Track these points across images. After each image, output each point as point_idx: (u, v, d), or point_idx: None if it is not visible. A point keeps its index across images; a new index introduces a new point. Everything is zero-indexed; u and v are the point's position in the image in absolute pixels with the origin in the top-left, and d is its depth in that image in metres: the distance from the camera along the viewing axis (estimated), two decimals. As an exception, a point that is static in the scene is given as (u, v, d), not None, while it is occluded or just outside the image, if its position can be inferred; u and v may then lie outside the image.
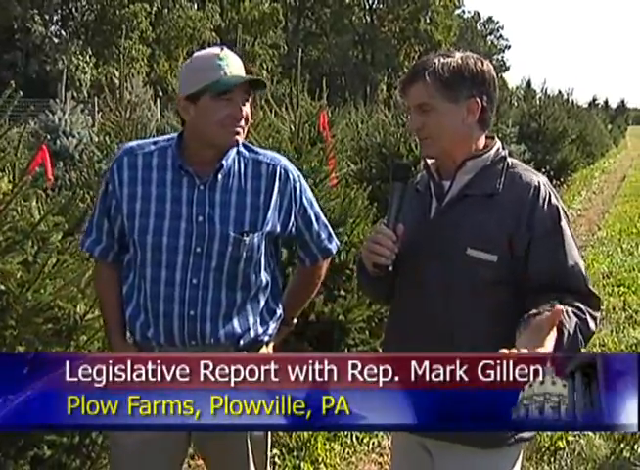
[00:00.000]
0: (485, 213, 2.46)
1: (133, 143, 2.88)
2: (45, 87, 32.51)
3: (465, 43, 68.21)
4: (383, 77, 66.37)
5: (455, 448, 2.54)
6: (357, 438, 5.08)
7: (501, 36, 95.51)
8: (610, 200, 18.88)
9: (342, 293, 5.65)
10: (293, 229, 2.90)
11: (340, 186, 6.18)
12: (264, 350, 2.93)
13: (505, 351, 2.08)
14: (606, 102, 58.13)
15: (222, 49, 2.71)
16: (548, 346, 2.09)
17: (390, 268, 2.47)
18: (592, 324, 2.38)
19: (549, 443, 4.94)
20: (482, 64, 2.49)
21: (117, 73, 39.08)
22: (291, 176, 2.85)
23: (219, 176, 2.76)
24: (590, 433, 5.02)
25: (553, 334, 2.12)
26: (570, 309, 2.31)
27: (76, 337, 3.34)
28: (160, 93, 39.25)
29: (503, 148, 2.59)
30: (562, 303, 2.30)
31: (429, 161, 2.63)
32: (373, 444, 5.06)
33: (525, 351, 2.06)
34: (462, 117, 2.47)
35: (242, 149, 2.83)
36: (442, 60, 2.46)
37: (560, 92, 25.83)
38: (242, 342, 2.82)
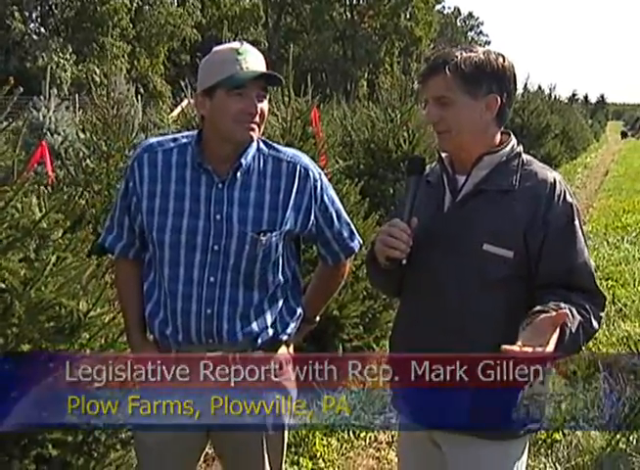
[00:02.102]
0: (501, 209, 2.47)
1: (152, 140, 2.84)
2: (25, 84, 32.26)
3: (445, 39, 68.27)
4: (363, 73, 66.34)
5: (465, 441, 2.57)
6: (354, 433, 5.08)
7: (481, 32, 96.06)
8: (593, 195, 18.95)
9: (336, 288, 5.65)
10: (313, 228, 2.87)
11: (331, 182, 6.16)
12: (283, 349, 2.91)
13: (508, 347, 2.07)
14: (586, 97, 58.55)
15: (242, 44, 2.67)
16: (551, 346, 2.09)
17: (404, 262, 2.47)
18: (595, 323, 2.40)
19: (546, 435, 4.95)
20: (504, 60, 2.49)
21: (98, 71, 39.05)
22: (311, 174, 2.82)
23: (238, 174, 2.73)
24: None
25: (556, 334, 2.12)
26: (574, 309, 2.32)
27: (79, 334, 3.32)
28: (142, 90, 39.20)
29: (518, 144, 2.59)
30: (568, 301, 2.32)
31: (442, 154, 2.63)
32: (370, 438, 5.07)
33: (527, 349, 2.06)
34: (480, 113, 2.47)
35: (262, 146, 2.80)
36: (465, 54, 2.45)
37: (540, 87, 25.95)
38: (260, 340, 2.80)
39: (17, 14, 43.47)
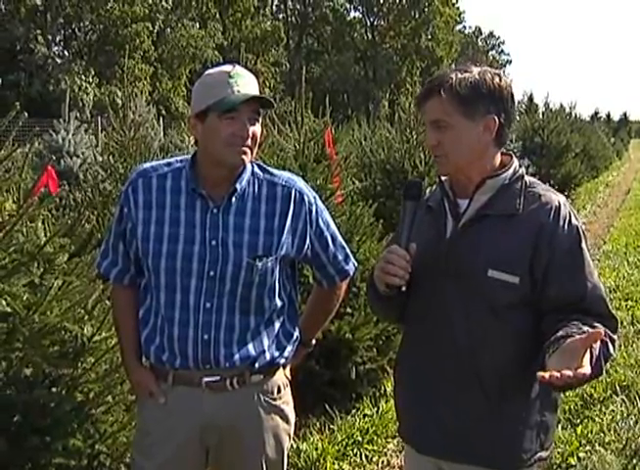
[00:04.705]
0: (506, 234, 2.42)
1: (147, 165, 2.84)
2: (48, 107, 32.59)
3: (466, 59, 68.26)
4: (385, 94, 66.39)
5: None
6: (367, 457, 5.03)
7: (502, 51, 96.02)
8: (614, 213, 18.79)
9: (349, 310, 5.64)
10: (308, 252, 2.86)
11: (345, 203, 6.16)
12: (280, 372, 2.91)
13: (544, 374, 2.02)
14: (608, 115, 58.16)
15: (234, 66, 2.66)
16: (588, 366, 2.05)
17: (404, 288, 2.43)
18: (611, 347, 2.34)
19: (560, 459, 4.88)
20: (500, 79, 2.44)
21: (120, 93, 39.35)
22: (306, 198, 2.81)
23: (233, 199, 2.72)
24: (602, 449, 4.98)
25: (588, 355, 2.07)
26: None
27: (83, 359, 3.31)
28: (164, 112, 39.46)
29: (520, 166, 2.55)
30: (585, 325, 2.26)
31: (442, 177, 2.59)
32: (383, 463, 5.01)
33: (568, 372, 2.00)
34: (478, 135, 2.42)
35: (256, 170, 2.80)
36: (460, 75, 2.40)
37: (562, 106, 25.81)
38: (257, 365, 2.79)
39: (40, 37, 43.98)
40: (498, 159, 2.53)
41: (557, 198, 2.48)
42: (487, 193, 2.48)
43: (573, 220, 2.45)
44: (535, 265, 2.39)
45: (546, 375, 2.00)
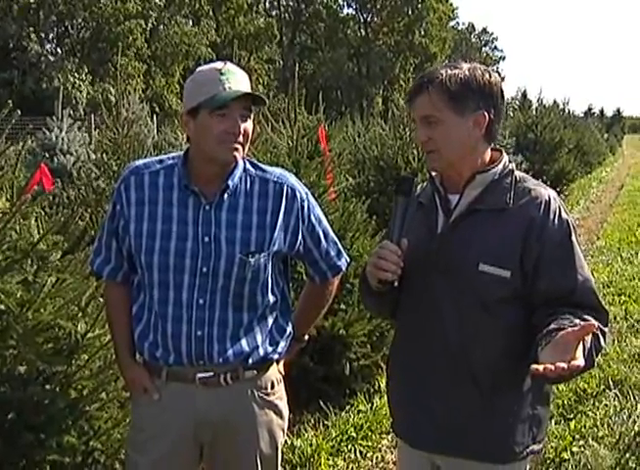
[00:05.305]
0: (497, 228, 2.44)
1: (139, 162, 2.84)
2: (41, 105, 32.52)
3: (460, 55, 68.31)
4: (378, 90, 66.47)
5: (468, 465, 2.55)
6: (361, 453, 5.05)
7: (496, 47, 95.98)
8: (608, 209, 18.83)
9: (343, 307, 5.64)
10: (301, 247, 2.87)
11: (338, 200, 6.17)
12: (274, 368, 2.92)
13: (538, 367, 2.03)
14: (601, 111, 58.36)
15: (225, 63, 2.67)
16: (581, 358, 2.06)
17: (396, 284, 2.45)
18: (602, 340, 2.35)
19: (554, 454, 4.90)
20: (490, 76, 2.46)
21: (113, 91, 39.29)
22: (298, 195, 2.82)
23: (225, 196, 2.72)
24: (595, 444, 5.00)
25: (580, 347, 2.08)
26: None
27: (77, 356, 3.32)
28: (157, 109, 39.42)
29: (510, 161, 2.57)
30: (576, 318, 2.27)
31: (433, 173, 2.60)
32: (377, 458, 5.02)
33: (562, 365, 2.01)
34: (468, 131, 2.43)
35: (249, 166, 2.80)
36: (449, 71, 2.42)
37: (555, 102, 25.83)
38: (250, 360, 2.80)
39: (33, 35, 43.90)
40: (488, 154, 2.54)
41: (547, 192, 2.50)
42: (478, 188, 2.50)
43: (563, 214, 2.46)
44: (526, 259, 2.41)
45: (540, 368, 2.02)
